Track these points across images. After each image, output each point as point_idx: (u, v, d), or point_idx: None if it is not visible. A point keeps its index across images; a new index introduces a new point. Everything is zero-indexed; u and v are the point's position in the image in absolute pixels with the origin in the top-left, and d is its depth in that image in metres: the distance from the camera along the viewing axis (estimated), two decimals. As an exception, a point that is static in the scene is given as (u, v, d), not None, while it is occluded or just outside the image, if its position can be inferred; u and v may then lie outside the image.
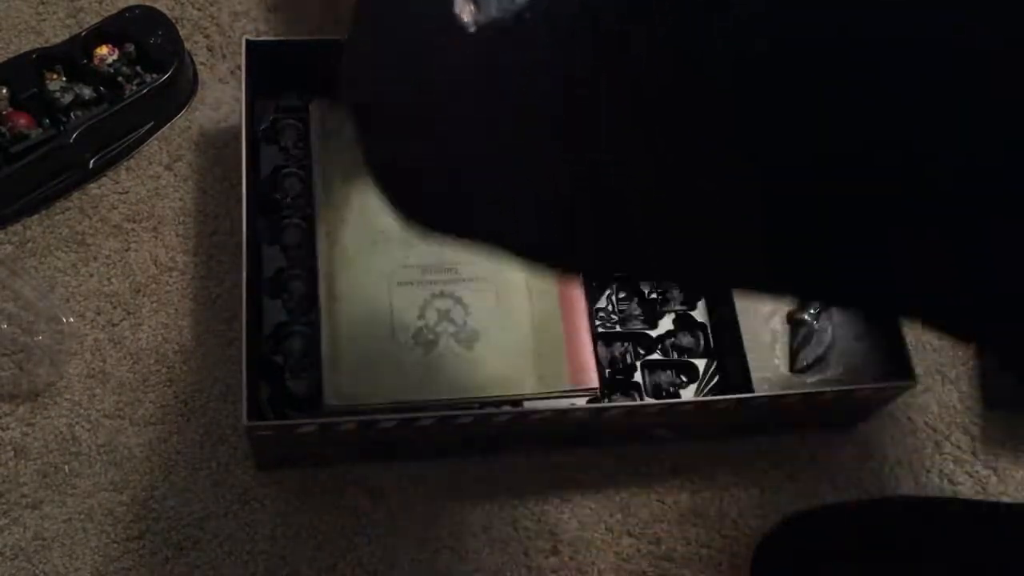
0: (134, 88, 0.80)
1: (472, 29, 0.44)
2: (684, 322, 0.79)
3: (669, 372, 0.77)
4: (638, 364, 0.77)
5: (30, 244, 0.78)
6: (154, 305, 0.77)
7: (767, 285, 0.49)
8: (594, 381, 0.74)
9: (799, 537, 0.72)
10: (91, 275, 0.77)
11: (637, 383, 0.76)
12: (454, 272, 0.75)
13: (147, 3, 0.84)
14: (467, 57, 0.45)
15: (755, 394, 0.72)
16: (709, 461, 0.78)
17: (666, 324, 0.79)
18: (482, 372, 0.73)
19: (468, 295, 0.75)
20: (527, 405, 0.72)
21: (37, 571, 0.69)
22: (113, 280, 0.77)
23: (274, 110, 0.80)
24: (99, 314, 0.76)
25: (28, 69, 0.79)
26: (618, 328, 0.78)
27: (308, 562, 0.71)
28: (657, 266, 0.48)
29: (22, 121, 0.76)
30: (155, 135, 0.82)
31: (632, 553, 0.74)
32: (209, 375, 0.75)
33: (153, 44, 0.81)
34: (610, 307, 0.79)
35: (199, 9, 0.88)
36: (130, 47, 0.81)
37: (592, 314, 0.77)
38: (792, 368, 0.73)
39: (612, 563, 0.74)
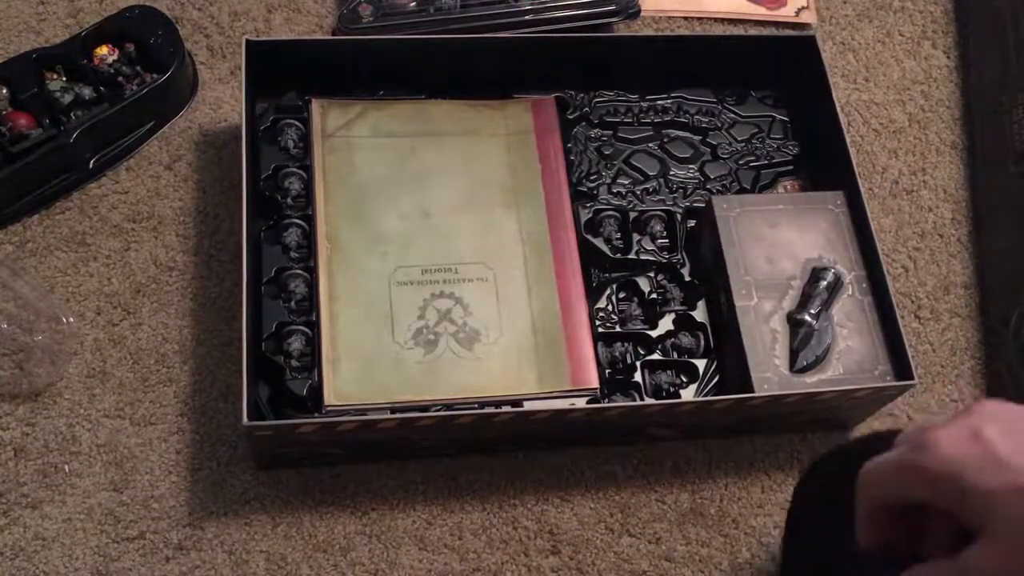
0: (134, 88, 0.80)
1: None
2: (684, 322, 0.79)
3: (669, 372, 0.77)
4: (638, 364, 0.77)
5: (30, 244, 0.78)
6: (154, 305, 0.77)
7: None
8: (594, 381, 0.74)
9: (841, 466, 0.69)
10: (91, 275, 0.77)
11: (637, 383, 0.76)
12: (454, 272, 0.75)
13: (147, 3, 0.84)
14: None
15: (755, 394, 0.72)
16: (709, 461, 0.78)
17: (666, 324, 0.79)
18: (482, 372, 0.73)
19: (468, 295, 0.75)
20: (527, 405, 0.72)
21: (37, 571, 0.69)
22: (113, 280, 0.77)
23: (274, 110, 0.80)
24: (99, 314, 0.76)
25: (28, 69, 0.79)
26: (618, 328, 0.78)
27: (308, 562, 0.71)
28: None
29: (22, 121, 0.76)
30: (155, 135, 0.82)
31: (632, 553, 0.74)
32: (209, 375, 0.75)
33: (153, 44, 0.81)
34: (610, 307, 0.79)
35: (199, 9, 0.88)
36: (130, 47, 0.82)
37: (592, 314, 0.77)
38: (792, 368, 0.73)
39: (612, 563, 0.74)
